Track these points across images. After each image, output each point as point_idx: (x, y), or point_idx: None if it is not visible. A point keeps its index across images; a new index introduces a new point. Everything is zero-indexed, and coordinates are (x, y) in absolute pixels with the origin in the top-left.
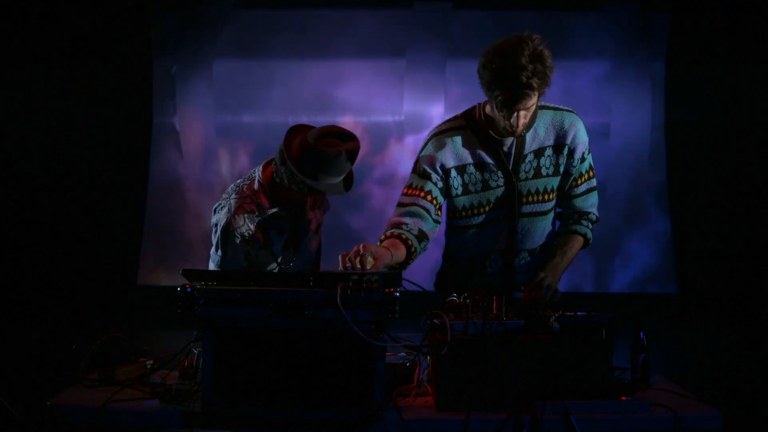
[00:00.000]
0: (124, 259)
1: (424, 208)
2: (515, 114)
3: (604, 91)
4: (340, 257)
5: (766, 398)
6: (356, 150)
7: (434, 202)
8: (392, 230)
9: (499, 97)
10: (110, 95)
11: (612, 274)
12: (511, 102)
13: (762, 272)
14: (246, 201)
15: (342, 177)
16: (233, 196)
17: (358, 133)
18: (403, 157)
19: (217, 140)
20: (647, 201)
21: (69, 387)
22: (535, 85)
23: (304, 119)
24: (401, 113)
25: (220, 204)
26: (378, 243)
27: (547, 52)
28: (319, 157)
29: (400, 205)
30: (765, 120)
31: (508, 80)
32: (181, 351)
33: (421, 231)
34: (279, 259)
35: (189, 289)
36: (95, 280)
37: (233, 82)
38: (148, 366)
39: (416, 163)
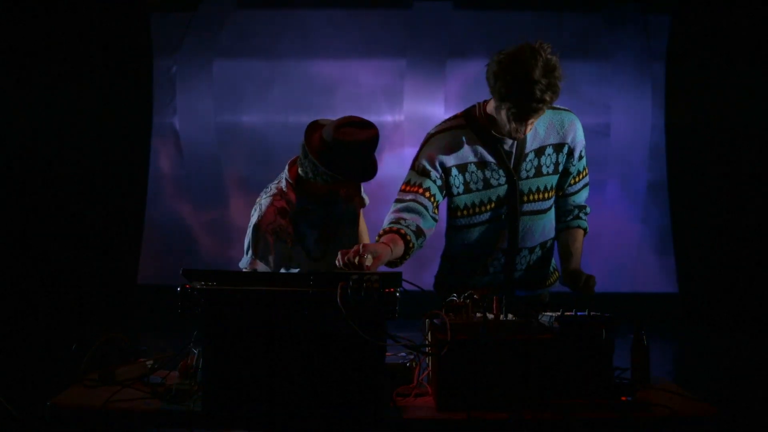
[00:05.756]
0: (124, 258)
1: (422, 204)
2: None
3: (604, 91)
4: (339, 254)
5: (766, 398)
6: (375, 137)
7: (432, 199)
8: (390, 225)
9: (513, 110)
10: (110, 95)
11: (612, 273)
12: (524, 116)
13: (762, 272)
14: (276, 198)
15: (364, 165)
16: (264, 197)
17: None
18: (402, 159)
19: (217, 140)
20: (647, 200)
21: (69, 387)
22: (548, 99)
23: (304, 119)
24: (401, 113)
25: (254, 208)
26: (376, 237)
27: (556, 61)
28: (339, 146)
29: (398, 201)
30: (765, 120)
31: (523, 95)
32: (181, 351)
33: (418, 227)
34: (311, 253)
35: (189, 289)
36: (95, 280)
37: (233, 82)
38: (148, 366)
39: (415, 160)
